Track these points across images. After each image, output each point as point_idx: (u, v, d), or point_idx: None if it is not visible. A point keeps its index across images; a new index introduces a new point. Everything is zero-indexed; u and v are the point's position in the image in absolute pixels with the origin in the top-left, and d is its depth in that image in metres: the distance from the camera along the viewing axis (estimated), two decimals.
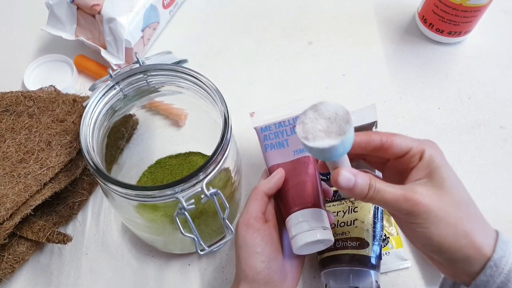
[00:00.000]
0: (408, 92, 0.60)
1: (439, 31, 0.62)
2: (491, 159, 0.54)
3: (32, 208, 0.45)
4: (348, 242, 0.43)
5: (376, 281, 0.43)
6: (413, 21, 0.66)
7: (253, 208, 0.39)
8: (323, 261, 0.45)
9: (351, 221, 0.45)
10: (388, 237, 0.47)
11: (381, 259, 0.44)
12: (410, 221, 0.32)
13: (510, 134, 0.56)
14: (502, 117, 0.58)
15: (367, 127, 0.48)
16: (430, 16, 0.61)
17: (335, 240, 0.44)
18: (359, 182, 0.33)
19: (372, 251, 0.43)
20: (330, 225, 0.41)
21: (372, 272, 0.43)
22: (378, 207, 0.45)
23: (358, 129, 0.49)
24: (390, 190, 0.33)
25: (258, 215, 0.39)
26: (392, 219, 0.48)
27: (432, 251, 0.33)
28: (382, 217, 0.45)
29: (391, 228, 0.48)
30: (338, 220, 0.45)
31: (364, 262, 0.43)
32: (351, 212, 0.45)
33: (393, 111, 0.58)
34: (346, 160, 0.34)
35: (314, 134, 0.32)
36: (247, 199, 0.41)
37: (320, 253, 0.45)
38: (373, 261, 0.43)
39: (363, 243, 0.43)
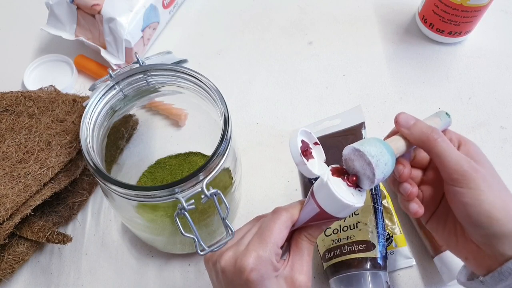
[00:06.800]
0: (408, 92, 0.60)
1: (440, 31, 0.62)
2: (491, 159, 0.53)
3: (32, 208, 0.45)
4: (355, 246, 0.43)
5: (387, 282, 0.43)
6: (413, 21, 0.66)
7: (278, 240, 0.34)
8: (331, 268, 0.44)
9: (353, 224, 0.44)
10: (392, 236, 0.47)
11: (387, 258, 0.44)
12: (461, 186, 0.32)
13: (510, 134, 0.56)
14: (502, 117, 0.58)
15: (355, 129, 0.48)
16: (431, 16, 0.61)
17: (341, 245, 0.44)
18: (420, 124, 0.34)
19: (378, 252, 0.43)
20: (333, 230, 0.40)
21: (382, 273, 0.43)
22: (377, 207, 0.45)
23: (346, 131, 0.49)
24: (455, 150, 0.33)
25: (279, 252, 0.34)
26: (394, 218, 0.48)
27: (476, 223, 0.32)
28: (383, 216, 0.45)
29: (394, 227, 0.48)
30: (340, 225, 0.45)
31: (373, 264, 0.42)
32: (352, 215, 0.45)
33: (393, 111, 0.58)
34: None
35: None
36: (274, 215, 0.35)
37: (327, 260, 0.45)
38: (381, 262, 0.43)
39: (369, 245, 0.43)
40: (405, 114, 0.35)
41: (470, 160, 0.33)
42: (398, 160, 0.34)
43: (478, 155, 0.35)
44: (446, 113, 0.37)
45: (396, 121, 0.35)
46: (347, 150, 0.33)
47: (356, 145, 0.32)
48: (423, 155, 0.37)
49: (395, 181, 0.36)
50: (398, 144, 0.34)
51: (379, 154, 0.32)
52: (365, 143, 0.32)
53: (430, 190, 0.37)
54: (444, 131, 0.36)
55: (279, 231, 0.34)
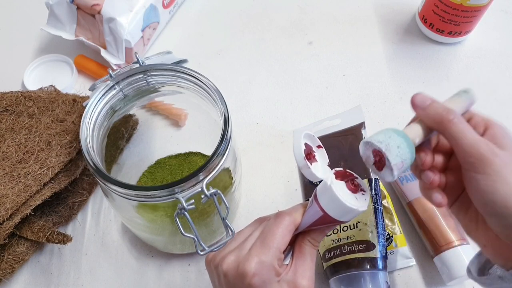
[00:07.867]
0: (408, 92, 0.60)
1: (440, 31, 0.62)
2: None
3: (32, 208, 0.45)
4: (355, 246, 0.43)
5: (387, 282, 0.43)
6: (413, 21, 0.66)
7: (281, 245, 0.34)
8: (331, 268, 0.44)
9: (353, 224, 0.44)
10: (392, 236, 0.47)
11: (387, 258, 0.44)
12: (477, 171, 0.30)
13: None
14: (502, 117, 0.57)
15: (355, 129, 0.48)
16: (431, 16, 0.61)
17: (341, 245, 0.44)
18: (435, 105, 0.33)
19: (378, 252, 0.43)
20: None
21: (381, 273, 0.43)
22: (377, 207, 0.45)
23: (346, 131, 0.49)
24: (471, 131, 0.31)
25: (281, 257, 0.34)
26: (395, 218, 0.48)
27: (492, 213, 0.30)
28: (383, 216, 0.45)
29: (394, 227, 0.48)
30: (340, 225, 0.45)
31: (374, 264, 0.42)
32: None
33: (393, 111, 0.58)
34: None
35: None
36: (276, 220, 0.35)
37: (327, 260, 0.45)
38: (381, 262, 0.43)
39: (369, 245, 0.43)
40: (422, 94, 0.34)
41: (490, 143, 0.31)
42: (419, 147, 0.33)
43: (504, 139, 0.32)
44: (465, 91, 0.34)
45: (412, 102, 0.34)
46: (361, 149, 0.32)
47: (364, 140, 0.32)
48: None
49: (417, 168, 0.34)
50: (415, 129, 0.32)
51: (387, 138, 0.30)
52: (373, 134, 0.31)
53: (454, 176, 0.34)
54: (466, 113, 0.35)
55: (282, 236, 0.34)
